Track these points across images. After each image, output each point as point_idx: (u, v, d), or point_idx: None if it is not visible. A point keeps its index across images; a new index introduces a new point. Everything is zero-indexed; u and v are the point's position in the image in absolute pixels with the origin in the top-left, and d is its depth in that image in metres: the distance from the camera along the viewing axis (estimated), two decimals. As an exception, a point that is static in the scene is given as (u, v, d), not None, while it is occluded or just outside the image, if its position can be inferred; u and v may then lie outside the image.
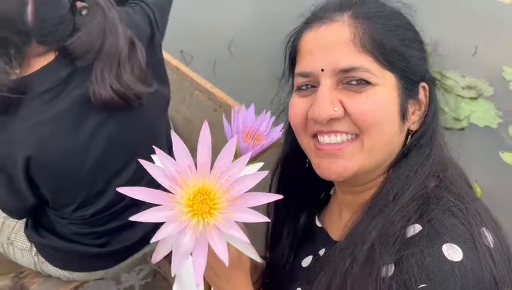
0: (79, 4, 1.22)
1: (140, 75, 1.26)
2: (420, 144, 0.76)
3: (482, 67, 3.22)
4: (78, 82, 1.21)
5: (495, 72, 3.27)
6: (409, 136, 0.78)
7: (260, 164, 0.69)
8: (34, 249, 1.49)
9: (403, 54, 0.74)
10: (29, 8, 1.11)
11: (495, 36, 3.58)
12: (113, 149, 1.30)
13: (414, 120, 0.77)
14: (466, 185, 0.76)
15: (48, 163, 1.22)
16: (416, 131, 0.78)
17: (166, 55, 1.71)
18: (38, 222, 1.46)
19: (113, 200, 1.36)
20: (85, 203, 1.34)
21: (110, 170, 1.33)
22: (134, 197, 0.60)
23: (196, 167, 0.62)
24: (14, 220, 1.51)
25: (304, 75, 0.77)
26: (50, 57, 1.21)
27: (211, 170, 0.62)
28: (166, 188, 0.61)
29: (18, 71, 1.18)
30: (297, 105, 0.78)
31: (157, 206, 0.61)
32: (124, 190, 0.60)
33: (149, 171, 0.61)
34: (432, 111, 0.78)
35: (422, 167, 0.73)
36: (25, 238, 1.49)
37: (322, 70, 0.73)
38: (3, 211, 1.43)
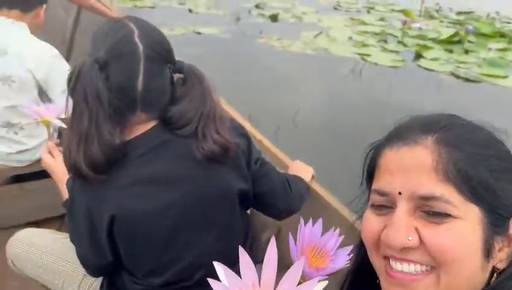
0: (176, 76, 1.22)
1: (227, 128, 1.23)
2: (508, 286, 0.59)
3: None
4: (173, 148, 1.18)
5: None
6: (495, 274, 0.61)
7: (324, 284, 0.58)
8: None
9: (492, 188, 0.59)
10: (140, 78, 1.12)
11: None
12: (188, 216, 1.20)
13: (501, 258, 0.61)
14: None
15: (131, 223, 1.15)
16: (503, 270, 0.61)
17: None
18: (113, 284, 1.37)
19: (184, 273, 1.24)
20: (156, 270, 1.24)
21: (185, 239, 1.22)
22: None
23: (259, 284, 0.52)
24: (92, 278, 1.42)
25: (381, 193, 0.64)
26: (150, 124, 1.18)
27: (274, 289, 0.52)
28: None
29: (121, 136, 1.16)
30: (371, 221, 0.65)
31: None
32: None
33: (213, 288, 0.52)
34: None
35: None
36: None
37: (400, 193, 0.60)
38: (82, 264, 1.34)
